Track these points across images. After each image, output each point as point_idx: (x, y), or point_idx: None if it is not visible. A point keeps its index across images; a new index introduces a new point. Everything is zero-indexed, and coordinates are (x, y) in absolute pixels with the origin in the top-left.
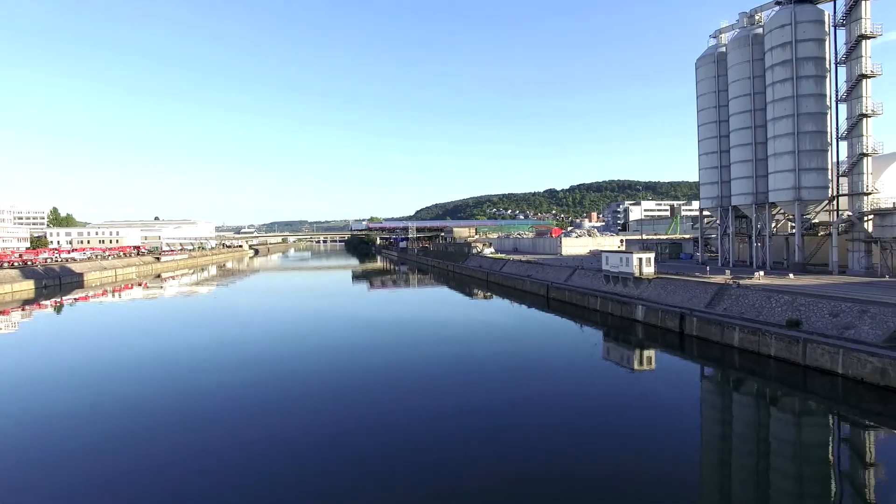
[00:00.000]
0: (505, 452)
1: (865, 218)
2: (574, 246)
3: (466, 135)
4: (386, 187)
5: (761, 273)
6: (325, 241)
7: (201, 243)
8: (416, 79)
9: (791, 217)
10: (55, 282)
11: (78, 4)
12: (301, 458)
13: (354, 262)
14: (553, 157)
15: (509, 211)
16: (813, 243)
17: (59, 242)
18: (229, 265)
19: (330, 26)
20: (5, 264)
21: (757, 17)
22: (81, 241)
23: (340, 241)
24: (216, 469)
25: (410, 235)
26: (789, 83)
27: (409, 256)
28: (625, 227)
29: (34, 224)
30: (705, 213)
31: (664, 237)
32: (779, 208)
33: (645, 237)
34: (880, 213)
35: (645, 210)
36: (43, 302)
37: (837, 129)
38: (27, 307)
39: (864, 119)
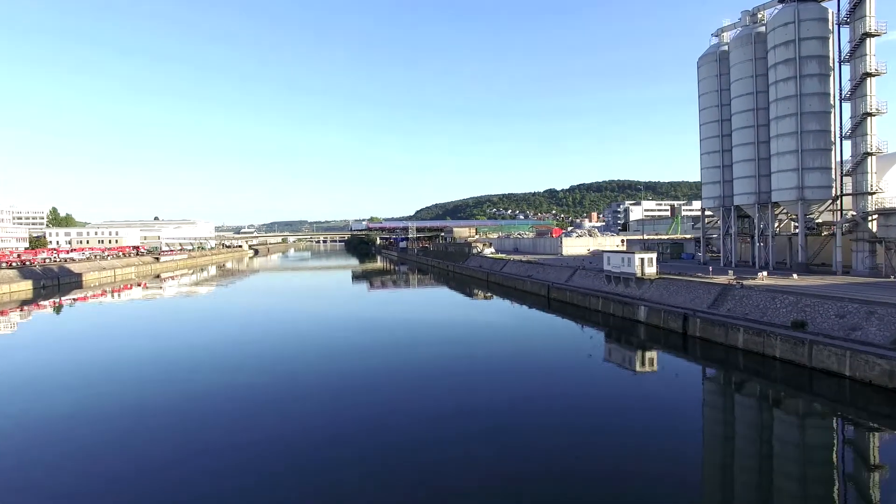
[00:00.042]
0: (505, 453)
1: (870, 218)
2: (575, 246)
3: (466, 134)
4: (386, 187)
5: (764, 273)
6: (324, 241)
7: (201, 243)
8: (415, 77)
9: (794, 217)
10: (53, 282)
11: (77, 2)
12: (301, 459)
13: (354, 262)
14: (553, 157)
15: (509, 211)
16: (816, 243)
17: (58, 242)
18: (229, 265)
19: (330, 25)
20: (3, 264)
21: (759, 16)
22: (81, 242)
23: (340, 242)
24: (216, 470)
25: (410, 235)
26: (792, 82)
27: (409, 256)
28: (625, 227)
29: (33, 224)
30: (707, 212)
31: (665, 237)
32: (782, 208)
33: (646, 237)
34: (885, 213)
35: (645, 210)
36: (41, 302)
37: (841, 127)
38: (25, 307)
39: (869, 118)
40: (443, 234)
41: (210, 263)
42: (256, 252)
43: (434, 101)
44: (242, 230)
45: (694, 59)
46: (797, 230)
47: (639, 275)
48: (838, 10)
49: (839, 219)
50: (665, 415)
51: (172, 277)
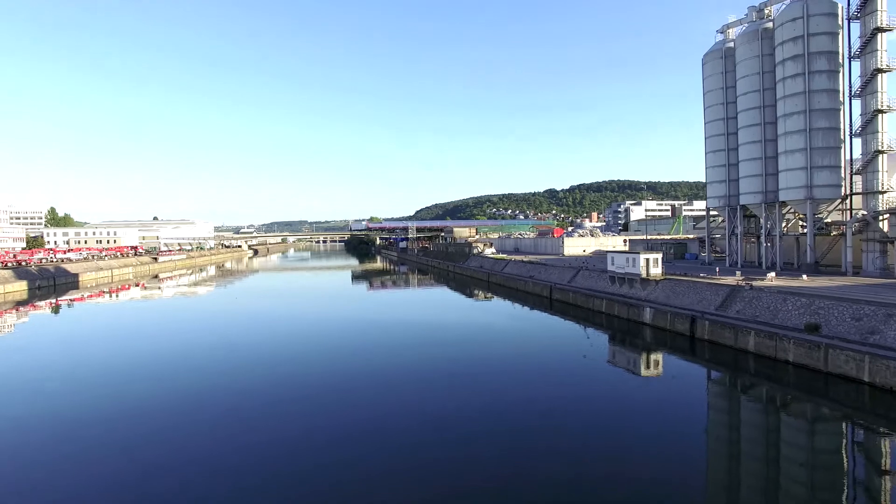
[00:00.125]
0: (507, 455)
1: (881, 217)
2: (576, 246)
3: (467, 129)
4: (386, 187)
5: (773, 274)
6: (324, 242)
7: (200, 243)
8: (415, 71)
9: (802, 216)
10: (49, 283)
11: None
12: (302, 460)
13: (354, 262)
14: (553, 157)
15: (509, 211)
16: (824, 243)
17: (55, 242)
18: (228, 265)
19: (329, 18)
20: None
21: (766, 12)
22: (79, 241)
23: (340, 242)
24: (216, 471)
25: (410, 235)
26: (801, 78)
27: (408, 257)
28: (626, 227)
29: (31, 224)
30: (712, 212)
31: (668, 237)
32: (789, 207)
33: (648, 237)
34: None
35: (646, 210)
36: (37, 303)
37: (851, 125)
38: (21, 308)
39: (880, 115)
40: (443, 234)
41: (209, 263)
42: (256, 252)
43: (433, 98)
44: (242, 230)
45: (693, 59)
46: (805, 230)
47: (644, 275)
48: (848, 4)
49: (849, 218)
50: (673, 419)
51: (171, 278)
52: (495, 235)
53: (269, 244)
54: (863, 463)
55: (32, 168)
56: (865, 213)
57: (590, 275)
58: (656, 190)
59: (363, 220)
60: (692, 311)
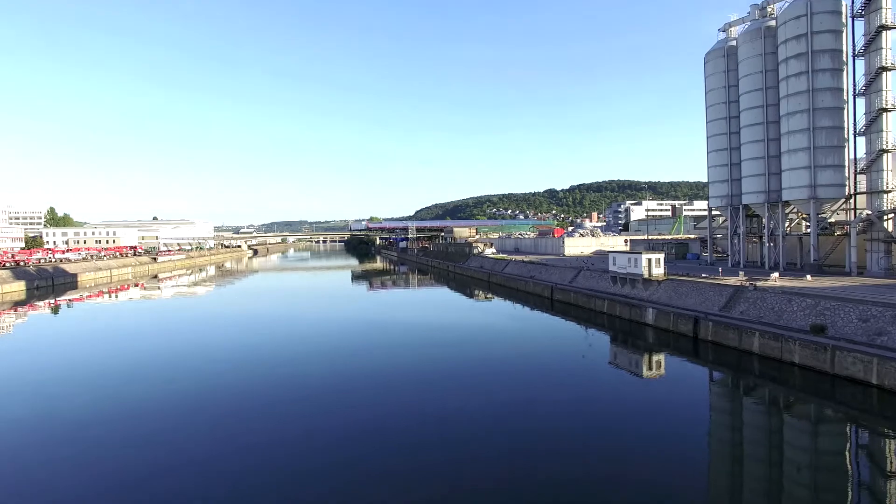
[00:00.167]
0: (507, 456)
1: (885, 217)
2: (577, 246)
3: (467, 128)
4: (386, 187)
5: (776, 275)
6: (324, 242)
7: (199, 243)
8: (415, 71)
9: (806, 216)
10: (48, 283)
11: None
12: (302, 461)
13: (354, 262)
14: (553, 156)
15: (509, 211)
16: (828, 243)
17: (54, 242)
18: (228, 265)
19: (329, 17)
20: None
21: (769, 10)
22: (78, 241)
23: (340, 242)
24: (216, 472)
25: (410, 235)
26: (804, 77)
27: (408, 257)
28: (626, 227)
29: (30, 224)
30: (714, 212)
31: (669, 237)
32: (792, 207)
33: (649, 237)
34: None
35: (646, 210)
36: (35, 303)
37: (855, 124)
38: (19, 308)
39: (884, 113)
40: (443, 234)
41: (208, 263)
42: (255, 252)
43: (434, 94)
44: (242, 230)
45: (695, 54)
46: (808, 230)
47: (646, 276)
48: (852, 2)
49: (853, 218)
50: (677, 421)
51: (170, 278)
52: (495, 235)
53: (269, 244)
54: (870, 467)
55: (32, 168)
56: (870, 212)
57: (591, 275)
58: (656, 190)
59: (363, 220)
60: (695, 311)
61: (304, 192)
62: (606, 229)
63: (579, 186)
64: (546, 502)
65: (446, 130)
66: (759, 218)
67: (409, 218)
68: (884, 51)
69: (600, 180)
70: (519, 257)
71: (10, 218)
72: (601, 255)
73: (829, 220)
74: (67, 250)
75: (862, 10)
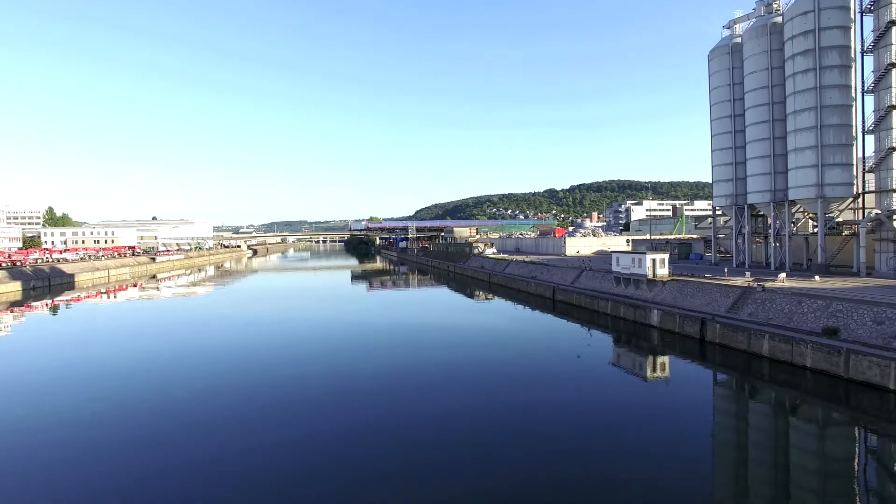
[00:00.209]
0: (508, 457)
1: (895, 216)
2: (579, 246)
3: (467, 125)
4: (386, 187)
5: (784, 275)
6: (324, 242)
7: (198, 243)
8: (416, 64)
9: (812, 216)
10: (44, 283)
11: None
12: (302, 462)
13: (354, 262)
14: (553, 156)
15: (509, 211)
16: (835, 244)
17: (52, 242)
18: (227, 265)
19: (331, 6)
20: None
21: (775, 6)
22: (76, 241)
23: (340, 242)
24: (216, 473)
25: (410, 235)
26: (812, 74)
27: (408, 257)
28: (626, 227)
29: (29, 224)
30: (718, 211)
31: (671, 237)
32: (799, 206)
33: (652, 237)
34: None
35: (647, 210)
36: (31, 304)
37: (864, 122)
38: (15, 309)
39: (894, 111)
40: (443, 234)
41: (207, 264)
42: (255, 252)
43: (435, 88)
44: (241, 230)
45: (695, 53)
46: (815, 230)
47: (650, 276)
48: None
49: (861, 217)
50: (684, 424)
51: (168, 278)
52: (496, 235)
53: (269, 244)
54: (885, 474)
55: (31, 167)
56: (879, 211)
57: (594, 275)
58: (657, 190)
59: (363, 220)
60: (701, 313)
61: (304, 191)
62: (607, 229)
63: (579, 186)
64: (546, 503)
65: (448, 126)
66: (765, 217)
67: (409, 218)
68: (893, 47)
69: (600, 180)
70: (520, 257)
71: (9, 218)
72: (603, 256)
73: (837, 220)
74: (65, 250)
75: (871, 5)
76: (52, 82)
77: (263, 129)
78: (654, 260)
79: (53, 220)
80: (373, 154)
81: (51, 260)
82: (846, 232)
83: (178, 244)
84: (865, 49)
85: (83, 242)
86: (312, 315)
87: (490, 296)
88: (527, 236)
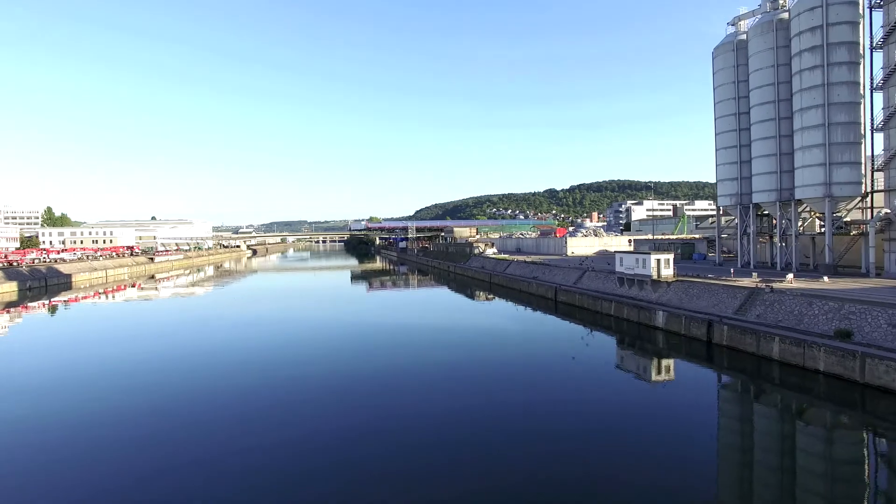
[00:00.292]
0: (509, 458)
1: None
2: (580, 246)
3: (467, 125)
4: (386, 187)
5: (791, 276)
6: (324, 242)
7: (198, 243)
8: (416, 63)
9: (819, 215)
10: (41, 283)
11: None
12: (302, 463)
13: (353, 262)
14: (553, 156)
15: (509, 211)
16: (842, 243)
17: (51, 242)
18: (226, 265)
19: (330, 5)
20: None
21: (781, 2)
22: (74, 241)
23: (340, 242)
24: (216, 473)
25: (410, 235)
26: (819, 71)
27: (408, 257)
28: (627, 227)
29: (27, 224)
30: (721, 211)
31: (674, 237)
32: (805, 206)
33: (654, 237)
34: None
35: (647, 210)
36: (28, 304)
37: (872, 119)
38: (11, 310)
39: None
40: (443, 234)
41: (207, 264)
42: (254, 252)
43: (434, 88)
44: (241, 230)
45: (695, 53)
46: (822, 229)
47: (655, 277)
48: None
49: (870, 217)
50: (688, 428)
51: (167, 278)
52: (496, 235)
53: (269, 244)
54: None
55: (31, 167)
56: (888, 211)
57: (596, 276)
58: (656, 190)
59: (363, 219)
60: (708, 314)
61: (304, 191)
62: (607, 229)
63: (579, 186)
64: (546, 503)
65: (448, 126)
66: (770, 217)
67: (409, 218)
68: None
69: (600, 180)
70: (521, 258)
71: (7, 218)
72: (604, 256)
73: (845, 220)
74: (63, 250)
75: (881, 0)
76: (52, 82)
77: (263, 129)
78: (658, 260)
79: (52, 220)
80: (373, 154)
81: (48, 260)
82: (854, 232)
83: (176, 244)
84: (875, 45)
85: (81, 242)
86: (312, 315)
87: (491, 296)
88: (527, 236)
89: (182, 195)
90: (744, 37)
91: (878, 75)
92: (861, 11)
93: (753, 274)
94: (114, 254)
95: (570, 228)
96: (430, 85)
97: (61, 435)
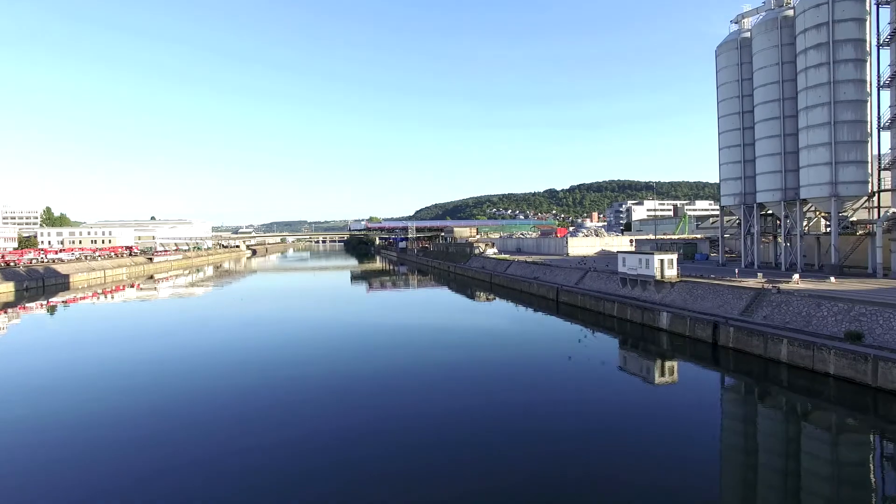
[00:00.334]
0: (510, 458)
1: None
2: (581, 246)
3: (467, 125)
4: (386, 187)
5: (797, 276)
6: (324, 242)
7: (197, 243)
8: (416, 63)
9: (825, 215)
10: (38, 284)
11: None
12: (302, 463)
13: (353, 262)
14: (553, 156)
15: (509, 211)
16: (847, 243)
17: (49, 242)
18: (226, 266)
19: (330, 5)
20: None
21: None
22: (73, 241)
23: (339, 242)
24: (216, 474)
25: (410, 235)
26: (825, 68)
27: (408, 257)
28: (627, 227)
29: (27, 224)
30: (725, 210)
31: (675, 237)
32: (810, 205)
33: (656, 237)
34: None
35: (648, 210)
36: (27, 304)
37: (879, 118)
38: (9, 310)
39: None
40: (443, 234)
41: (206, 264)
42: (254, 252)
43: (434, 88)
44: (241, 230)
45: (695, 53)
46: (828, 229)
47: (658, 277)
48: None
49: (876, 217)
50: (692, 430)
51: (166, 279)
52: (496, 235)
53: (268, 244)
54: None
55: (31, 167)
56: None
57: (598, 276)
58: (657, 190)
59: (362, 220)
60: (713, 316)
61: (304, 191)
62: (608, 229)
63: (579, 186)
64: (546, 503)
65: (448, 126)
66: (774, 217)
67: (409, 218)
68: None
69: (600, 180)
70: (521, 258)
71: (6, 218)
72: (605, 256)
73: (851, 219)
74: (61, 250)
75: None
76: (52, 82)
77: (263, 129)
78: (662, 261)
79: (51, 220)
80: (373, 154)
81: (46, 260)
82: (860, 231)
83: (176, 244)
84: (882, 42)
85: (80, 242)
86: (312, 316)
87: (491, 297)
88: (528, 236)
89: (182, 195)
90: (747, 34)
91: (886, 73)
92: (868, 8)
93: (759, 274)
94: (112, 254)
95: (571, 228)
96: (430, 85)
97: (61, 435)
